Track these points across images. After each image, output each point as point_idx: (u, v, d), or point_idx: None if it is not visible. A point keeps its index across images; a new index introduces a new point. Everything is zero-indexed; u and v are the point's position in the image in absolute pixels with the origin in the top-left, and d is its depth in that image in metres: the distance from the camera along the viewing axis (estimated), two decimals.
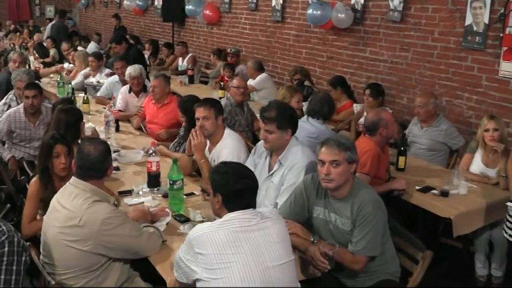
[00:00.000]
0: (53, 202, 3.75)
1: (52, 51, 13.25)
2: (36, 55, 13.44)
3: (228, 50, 10.80)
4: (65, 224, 3.54)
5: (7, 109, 6.83)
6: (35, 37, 15.50)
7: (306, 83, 8.23)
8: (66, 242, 3.54)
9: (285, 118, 4.42)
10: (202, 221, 4.11)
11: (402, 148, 5.61)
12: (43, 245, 3.72)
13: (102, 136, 6.42)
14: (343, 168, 3.74)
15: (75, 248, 3.52)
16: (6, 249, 3.14)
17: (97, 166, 3.70)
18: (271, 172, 4.52)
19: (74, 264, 3.56)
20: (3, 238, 3.15)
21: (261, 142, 4.67)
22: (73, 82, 9.31)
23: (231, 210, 3.24)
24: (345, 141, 3.88)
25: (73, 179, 3.74)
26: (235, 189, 3.25)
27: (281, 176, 4.43)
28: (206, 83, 10.98)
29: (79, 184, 3.67)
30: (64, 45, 12.70)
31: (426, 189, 5.14)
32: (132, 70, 7.59)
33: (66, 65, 10.35)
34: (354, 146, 3.89)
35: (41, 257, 3.73)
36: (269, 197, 4.45)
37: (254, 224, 3.18)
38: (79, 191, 3.63)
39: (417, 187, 5.18)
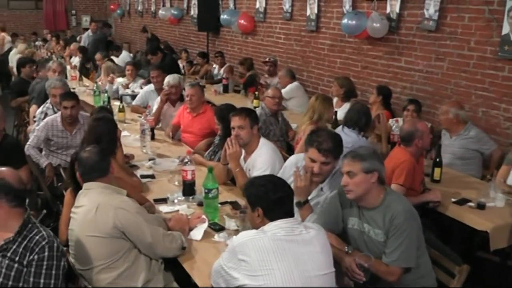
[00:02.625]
0: (71, 211, 3.94)
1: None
2: (73, 64, 13.62)
3: (266, 59, 10.82)
4: (85, 217, 3.73)
5: (44, 117, 6.93)
6: (72, 46, 15.72)
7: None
8: (88, 233, 3.70)
9: (339, 148, 4.33)
10: (237, 230, 4.14)
11: (437, 159, 5.56)
12: (72, 249, 3.87)
13: (137, 144, 6.51)
14: (360, 179, 3.74)
15: (97, 236, 3.67)
16: (46, 253, 3.22)
17: (97, 166, 3.91)
18: (309, 198, 4.35)
19: (99, 253, 3.71)
20: (43, 243, 3.23)
21: (292, 164, 4.64)
22: (108, 87, 9.50)
23: (273, 219, 3.27)
24: (363, 151, 3.85)
25: (84, 184, 3.93)
26: (275, 198, 3.30)
27: (321, 203, 4.32)
28: (240, 92, 11.02)
29: (89, 185, 3.89)
30: (98, 55, 12.85)
31: (462, 202, 5.08)
32: (171, 79, 7.64)
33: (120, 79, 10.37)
34: (373, 156, 3.83)
35: (70, 258, 3.84)
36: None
37: (298, 234, 3.21)
38: (89, 191, 3.86)
39: (453, 199, 5.12)
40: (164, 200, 4.84)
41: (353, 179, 3.75)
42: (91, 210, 3.70)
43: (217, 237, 4.11)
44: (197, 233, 4.12)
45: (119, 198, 3.81)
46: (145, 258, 3.82)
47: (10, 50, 16.75)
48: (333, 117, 6.81)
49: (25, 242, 3.27)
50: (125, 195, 3.93)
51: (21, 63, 10.26)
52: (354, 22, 8.34)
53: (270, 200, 3.30)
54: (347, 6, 9.05)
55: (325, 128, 5.38)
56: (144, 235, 3.73)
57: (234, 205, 4.72)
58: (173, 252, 3.88)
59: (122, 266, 3.72)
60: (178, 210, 4.59)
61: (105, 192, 3.81)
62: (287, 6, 10.82)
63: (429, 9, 7.50)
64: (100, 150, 4.03)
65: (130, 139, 6.73)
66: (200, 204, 4.67)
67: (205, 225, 4.19)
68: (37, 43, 18.70)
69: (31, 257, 3.23)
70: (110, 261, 3.70)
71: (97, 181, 3.87)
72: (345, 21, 8.48)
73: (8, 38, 18.89)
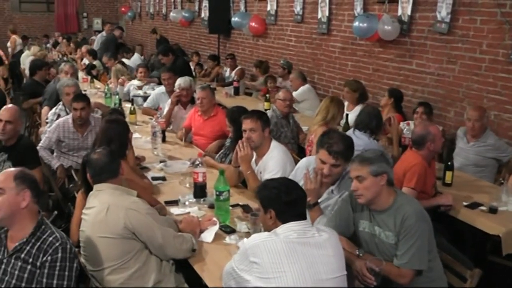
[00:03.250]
0: (82, 213, 3.95)
1: (96, 63, 13.45)
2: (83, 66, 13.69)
3: (279, 63, 10.83)
4: (96, 218, 3.75)
5: (57, 118, 6.96)
6: (83, 48, 15.79)
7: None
8: (99, 234, 3.72)
9: (351, 150, 4.33)
10: (248, 232, 4.14)
11: (449, 163, 5.54)
12: (83, 250, 3.89)
13: (148, 146, 6.52)
14: (369, 182, 3.73)
15: (107, 237, 3.69)
16: (59, 255, 3.25)
17: (107, 168, 3.94)
18: (320, 200, 4.36)
19: (110, 254, 3.72)
20: (57, 244, 3.25)
21: (303, 166, 4.64)
22: (119, 89, 9.54)
23: (285, 221, 3.27)
24: (369, 155, 3.84)
25: (94, 186, 3.96)
26: (287, 201, 3.30)
27: (332, 205, 4.30)
28: (251, 94, 11.03)
29: (100, 187, 3.91)
30: (105, 58, 12.89)
31: (474, 205, 5.06)
32: (182, 81, 7.64)
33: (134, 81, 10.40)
34: (380, 158, 3.81)
35: (81, 259, 3.84)
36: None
37: (310, 236, 3.21)
38: (100, 192, 3.88)
39: (465, 203, 5.09)
40: (175, 202, 4.84)
41: (363, 184, 3.74)
42: (102, 211, 3.72)
43: (228, 239, 4.12)
44: (208, 236, 4.12)
45: (129, 199, 3.83)
46: (156, 259, 3.84)
47: (20, 52, 16.84)
48: (344, 120, 6.79)
49: (38, 243, 3.30)
50: (135, 196, 3.95)
51: (36, 66, 10.28)
52: (365, 24, 8.34)
53: (283, 202, 3.31)
54: (358, 8, 9.05)
55: (337, 130, 5.36)
56: (154, 236, 3.74)
57: (245, 208, 4.72)
58: (184, 253, 3.88)
59: (133, 267, 3.73)
60: (189, 212, 4.59)
61: (116, 193, 3.84)
62: (298, 8, 10.83)
63: (441, 12, 7.47)
64: (110, 152, 4.06)
65: (141, 141, 6.75)
66: (211, 207, 4.67)
67: (216, 228, 4.19)
68: (48, 45, 18.79)
69: (44, 258, 3.26)
70: (121, 262, 3.71)
71: (108, 182, 3.89)
72: (356, 23, 8.48)
73: (19, 40, 19.00)
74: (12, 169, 3.49)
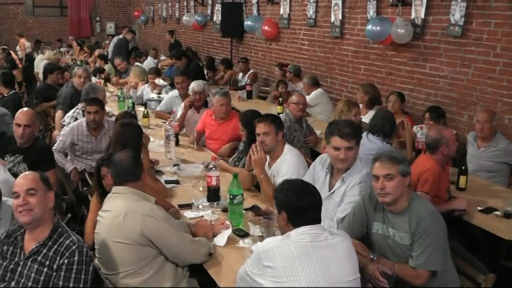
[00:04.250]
0: (98, 215, 3.96)
1: (106, 67, 13.51)
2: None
3: (287, 68, 10.84)
4: (112, 222, 3.75)
5: (74, 121, 7.01)
6: (96, 52, 15.87)
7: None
8: (115, 239, 3.72)
9: (359, 134, 4.45)
10: (261, 236, 4.14)
11: (463, 167, 5.51)
12: (98, 252, 3.90)
13: (161, 150, 6.54)
14: (397, 181, 3.75)
15: (123, 242, 3.69)
16: (76, 258, 3.28)
17: (130, 170, 3.93)
18: (332, 190, 4.47)
19: (125, 259, 3.72)
20: (74, 247, 3.29)
21: (322, 158, 4.66)
22: (132, 92, 9.59)
23: (296, 226, 3.28)
24: (396, 154, 3.90)
25: (113, 188, 3.96)
26: (298, 206, 3.31)
27: (342, 194, 4.39)
28: (264, 98, 11.03)
29: (119, 189, 3.89)
30: (117, 61, 12.93)
31: (488, 210, 5.03)
32: (195, 85, 7.65)
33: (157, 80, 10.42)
34: (405, 159, 3.89)
35: (96, 260, 3.86)
36: (330, 215, 4.41)
37: (323, 240, 3.21)
38: (118, 195, 3.87)
39: (479, 208, 5.07)
40: (188, 206, 4.85)
41: (391, 182, 3.75)
42: (118, 215, 3.72)
43: (242, 243, 4.12)
44: (221, 239, 4.12)
45: (147, 205, 3.82)
46: (171, 265, 3.84)
47: (29, 55, 16.94)
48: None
49: (55, 246, 3.34)
50: (153, 202, 3.94)
51: (49, 70, 10.34)
52: (378, 28, 8.32)
53: (293, 206, 3.32)
54: (371, 12, 9.04)
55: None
56: (171, 243, 3.75)
57: (254, 210, 4.73)
58: (201, 258, 3.89)
59: (147, 273, 3.73)
60: (202, 216, 4.61)
61: (134, 198, 3.82)
62: (311, 12, 10.83)
63: (455, 15, 7.43)
64: (135, 155, 4.07)
65: (154, 144, 6.76)
66: (224, 210, 4.68)
67: (229, 231, 4.20)
68: (62, 49, 18.90)
69: (61, 261, 3.29)
70: (136, 267, 3.72)
71: (128, 185, 3.88)
72: (369, 27, 8.46)
73: (27, 43, 19.11)
74: (32, 172, 3.54)
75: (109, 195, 3.96)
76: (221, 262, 3.89)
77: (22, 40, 19.41)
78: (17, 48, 19.13)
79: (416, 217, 3.71)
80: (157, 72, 10.48)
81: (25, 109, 5.96)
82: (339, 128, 4.37)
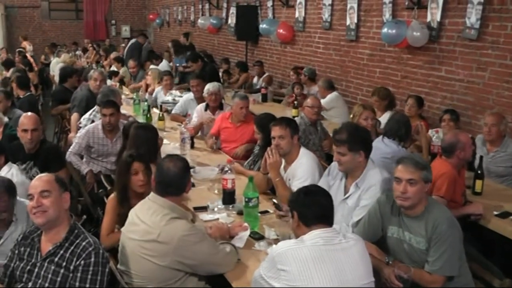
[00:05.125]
0: (132, 215, 3.89)
1: (122, 70, 13.57)
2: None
3: (302, 71, 10.85)
4: (144, 238, 3.66)
5: (91, 124, 7.05)
6: (111, 55, 15.96)
7: None
8: (144, 256, 3.65)
9: (356, 140, 4.38)
10: (277, 239, 4.14)
11: (479, 172, 5.47)
12: (121, 255, 3.86)
13: (176, 152, 6.54)
14: (419, 187, 3.75)
15: (153, 262, 3.63)
16: (92, 259, 3.30)
17: (176, 183, 3.78)
18: (347, 195, 4.48)
19: (151, 276, 3.67)
20: (90, 249, 3.31)
21: (335, 163, 4.66)
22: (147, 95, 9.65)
23: (308, 225, 3.30)
24: (421, 160, 3.91)
25: (152, 194, 3.85)
26: (305, 202, 3.36)
27: (357, 198, 4.40)
28: (279, 101, 11.02)
29: (158, 200, 3.76)
30: (131, 63, 12.99)
31: (504, 215, 4.98)
32: (210, 86, 7.70)
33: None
34: (429, 166, 3.89)
35: (118, 265, 3.86)
36: (345, 219, 4.42)
37: (337, 243, 3.22)
38: (157, 207, 3.73)
39: (495, 213, 5.02)
40: (204, 208, 4.86)
41: (413, 188, 3.75)
42: (151, 233, 3.63)
43: (258, 245, 4.12)
44: (239, 241, 4.10)
45: (183, 226, 3.66)
46: (194, 278, 3.78)
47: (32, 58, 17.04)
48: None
49: (72, 248, 3.36)
50: (190, 218, 3.85)
51: (67, 73, 10.40)
52: (394, 31, 8.30)
53: (300, 203, 3.37)
54: (387, 15, 9.01)
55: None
56: (205, 262, 3.69)
57: (276, 206, 4.76)
58: (231, 267, 3.82)
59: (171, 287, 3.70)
60: (218, 219, 4.61)
61: (170, 216, 3.67)
62: (326, 15, 10.81)
63: (471, 18, 7.38)
64: (185, 166, 3.88)
65: (169, 147, 6.77)
66: (240, 213, 4.68)
67: (247, 233, 4.18)
68: (77, 52, 19.01)
69: (77, 262, 3.31)
70: (161, 284, 3.66)
71: (168, 198, 3.75)
72: (385, 30, 8.44)
73: (29, 47, 19.16)
74: (48, 174, 3.57)
75: (146, 199, 3.87)
76: (237, 265, 3.87)
77: (25, 43, 19.47)
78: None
79: (433, 222, 3.71)
80: (170, 74, 10.51)
81: (29, 113, 6.03)
82: (334, 132, 4.53)
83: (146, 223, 3.71)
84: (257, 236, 4.26)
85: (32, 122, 5.75)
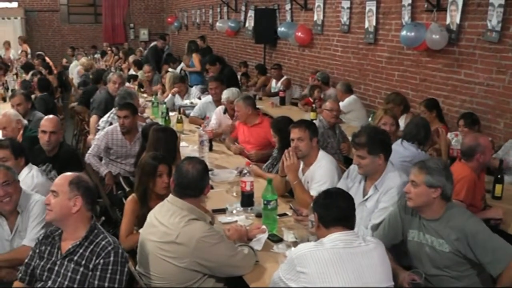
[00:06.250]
0: (150, 217, 3.91)
1: (140, 74, 13.63)
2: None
3: (315, 75, 10.86)
4: (163, 239, 3.68)
5: (109, 126, 7.09)
6: (130, 58, 16.04)
7: None
8: (163, 257, 3.67)
9: (375, 143, 4.39)
10: (295, 242, 4.15)
11: (499, 176, 5.43)
12: (140, 256, 3.88)
13: (195, 155, 6.56)
14: (421, 190, 3.76)
15: (172, 263, 3.65)
16: (111, 258, 3.32)
17: (194, 185, 3.80)
18: (365, 197, 4.48)
19: (170, 278, 3.69)
20: (109, 248, 3.33)
21: (354, 166, 4.64)
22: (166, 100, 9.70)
23: (326, 226, 3.31)
24: (432, 165, 3.84)
25: (170, 196, 3.88)
26: (324, 203, 3.38)
27: (375, 201, 4.40)
28: (297, 104, 11.01)
29: (177, 202, 3.78)
30: (146, 68, 13.05)
31: None
32: (230, 94, 7.69)
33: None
34: (441, 172, 3.81)
35: (137, 267, 3.88)
36: (364, 222, 4.41)
37: (357, 246, 3.22)
38: (176, 209, 3.75)
39: None
40: (222, 211, 4.88)
41: (415, 189, 3.78)
42: (170, 235, 3.66)
43: (276, 248, 4.12)
44: (257, 243, 4.11)
45: (201, 228, 3.67)
46: (211, 280, 3.79)
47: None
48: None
49: (91, 247, 3.39)
50: (208, 220, 3.88)
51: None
52: (413, 34, 8.25)
53: (320, 204, 3.39)
54: (406, 17, 8.97)
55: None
56: (223, 265, 3.71)
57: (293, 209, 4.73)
58: (250, 269, 3.83)
59: None
60: (236, 221, 4.62)
61: (188, 217, 3.70)
62: (345, 18, 10.79)
63: (492, 20, 7.30)
64: (204, 168, 3.91)
65: (188, 149, 6.80)
66: (258, 215, 4.69)
67: (265, 236, 4.18)
68: (95, 56, 19.14)
69: (97, 261, 3.34)
70: (179, 285, 3.68)
71: (186, 200, 3.77)
72: (403, 33, 8.40)
73: (29, 50, 19.22)
74: (70, 173, 3.60)
75: (165, 201, 3.89)
76: (255, 267, 3.88)
77: (25, 45, 19.52)
78: (19, 52, 19.17)
79: (459, 231, 3.68)
80: (182, 80, 10.54)
81: (51, 116, 6.11)
82: (353, 136, 4.55)
83: (165, 225, 3.72)
84: (275, 239, 4.27)
85: (52, 125, 5.81)
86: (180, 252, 3.62)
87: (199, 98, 9.82)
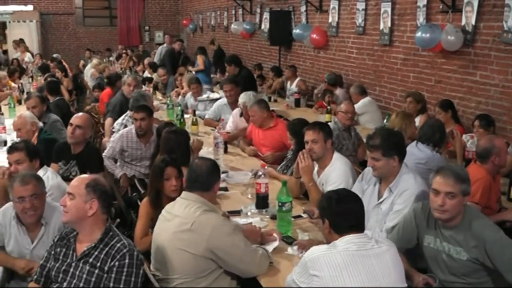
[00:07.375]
0: (163, 214, 3.97)
1: (155, 76, 13.69)
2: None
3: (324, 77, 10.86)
4: (178, 229, 3.73)
5: (123, 128, 7.12)
6: (145, 61, 16.10)
7: None
8: (179, 246, 3.71)
9: (390, 145, 4.36)
10: None
11: None
12: (155, 254, 3.91)
13: (210, 157, 6.57)
14: (458, 200, 3.66)
15: (187, 251, 3.68)
16: (126, 261, 3.34)
17: (202, 179, 3.90)
18: (380, 200, 4.46)
19: (185, 268, 3.72)
20: (125, 250, 3.35)
21: (369, 168, 4.64)
22: (180, 100, 9.77)
23: (339, 233, 3.29)
24: (461, 171, 3.79)
25: (183, 193, 3.96)
26: (338, 211, 3.33)
27: (390, 203, 4.38)
28: (312, 106, 11.01)
29: (189, 196, 3.87)
30: (160, 71, 13.09)
31: None
32: (247, 99, 7.66)
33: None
34: (469, 178, 3.79)
35: (151, 267, 3.91)
36: (379, 224, 4.40)
37: (370, 248, 3.21)
38: (190, 202, 3.83)
39: None
40: (237, 213, 4.89)
41: (452, 201, 3.66)
42: (185, 224, 3.70)
43: (291, 250, 4.12)
44: (268, 249, 4.08)
45: (216, 218, 3.76)
46: (226, 277, 3.81)
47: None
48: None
49: (106, 249, 3.40)
50: (220, 214, 3.93)
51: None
52: (428, 35, 8.21)
53: (333, 212, 3.34)
54: (421, 19, 8.93)
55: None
56: (237, 259, 3.72)
57: (307, 213, 4.76)
58: (263, 270, 3.83)
59: (203, 283, 3.72)
60: (251, 223, 4.61)
61: (202, 208, 3.78)
62: (360, 20, 10.77)
63: (508, 21, 7.23)
64: (212, 165, 4.01)
65: (203, 152, 6.78)
66: (273, 217, 4.69)
67: (276, 244, 4.16)
68: (110, 58, 19.24)
69: (112, 263, 3.35)
70: (194, 277, 3.71)
71: (196, 193, 3.86)
72: (419, 34, 8.36)
73: (28, 54, 19.26)
74: (87, 176, 3.64)
75: (178, 199, 3.96)
76: (269, 269, 3.88)
77: (21, 48, 19.46)
78: (18, 55, 19.20)
79: (477, 238, 3.64)
80: (197, 81, 10.58)
81: (81, 113, 6.30)
82: (368, 138, 4.53)
83: (179, 215, 3.79)
84: (290, 241, 4.27)
85: (79, 120, 5.95)
86: (195, 239, 3.66)
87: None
